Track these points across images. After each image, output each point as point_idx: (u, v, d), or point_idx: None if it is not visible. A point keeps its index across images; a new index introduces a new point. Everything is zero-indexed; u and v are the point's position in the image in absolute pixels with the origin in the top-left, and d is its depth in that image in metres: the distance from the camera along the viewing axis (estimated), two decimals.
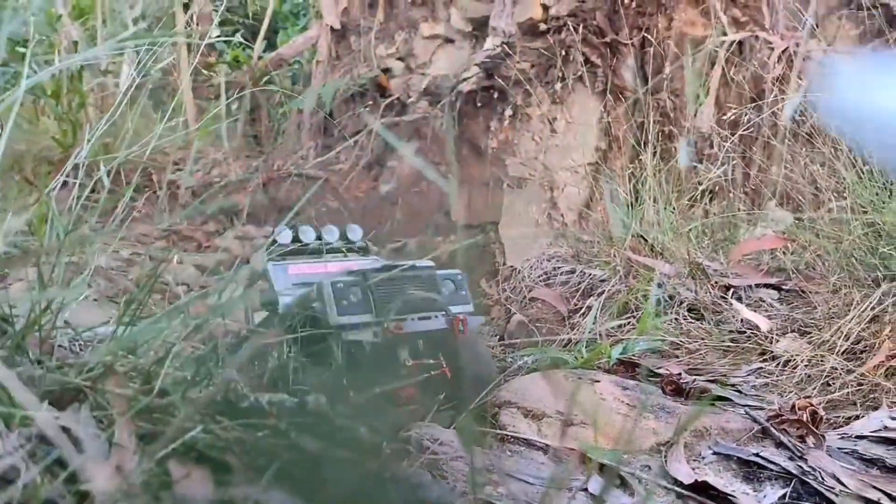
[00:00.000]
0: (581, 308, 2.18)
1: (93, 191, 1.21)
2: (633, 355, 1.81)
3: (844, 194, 2.44)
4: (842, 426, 1.46)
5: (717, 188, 2.88)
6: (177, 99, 4.91)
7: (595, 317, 2.03)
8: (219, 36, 5.61)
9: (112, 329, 1.00)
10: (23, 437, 0.65)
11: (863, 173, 2.37)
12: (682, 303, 2.06)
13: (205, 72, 5.17)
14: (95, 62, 4.85)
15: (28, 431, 0.65)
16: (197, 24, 4.85)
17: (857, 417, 1.47)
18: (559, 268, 2.38)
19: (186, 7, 5.50)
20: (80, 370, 0.81)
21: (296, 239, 1.79)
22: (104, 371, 0.81)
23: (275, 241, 1.76)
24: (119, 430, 0.75)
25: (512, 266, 2.98)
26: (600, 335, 1.97)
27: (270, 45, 5.84)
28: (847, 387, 1.53)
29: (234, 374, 0.84)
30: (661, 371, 1.71)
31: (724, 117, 3.08)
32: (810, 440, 1.34)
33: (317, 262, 1.76)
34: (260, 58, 5.42)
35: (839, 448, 1.36)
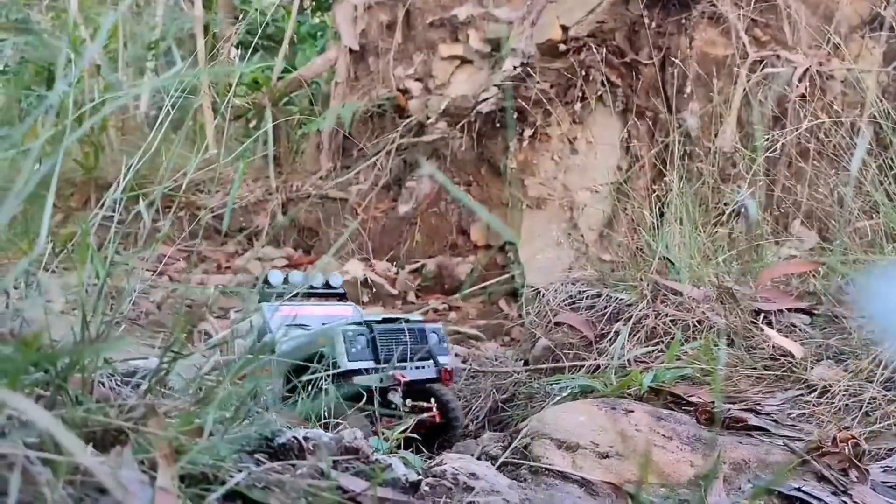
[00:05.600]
0: (608, 333, 2.15)
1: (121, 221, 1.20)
2: (664, 382, 1.78)
3: (873, 215, 2.41)
4: (884, 458, 1.42)
5: (742, 209, 2.85)
6: (198, 122, 4.95)
7: (623, 342, 2.00)
8: (237, 56, 5.66)
9: (152, 363, 0.99)
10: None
11: (892, 195, 2.34)
12: (711, 328, 2.03)
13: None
14: (117, 84, 4.90)
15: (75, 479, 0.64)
16: (217, 47, 4.90)
17: None
18: (584, 291, 2.35)
19: (206, 29, 5.56)
20: (122, 410, 0.80)
21: (285, 281, 2.01)
22: (146, 412, 0.80)
23: (266, 281, 1.96)
24: (162, 474, 0.74)
25: (534, 287, 2.95)
26: (629, 361, 1.94)
27: (289, 67, 5.88)
28: (888, 417, 1.49)
29: (275, 414, 0.83)
30: (693, 399, 1.68)
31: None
32: (853, 474, 1.31)
33: (303, 305, 1.99)
34: (279, 79, 5.46)
35: (883, 482, 1.32)
